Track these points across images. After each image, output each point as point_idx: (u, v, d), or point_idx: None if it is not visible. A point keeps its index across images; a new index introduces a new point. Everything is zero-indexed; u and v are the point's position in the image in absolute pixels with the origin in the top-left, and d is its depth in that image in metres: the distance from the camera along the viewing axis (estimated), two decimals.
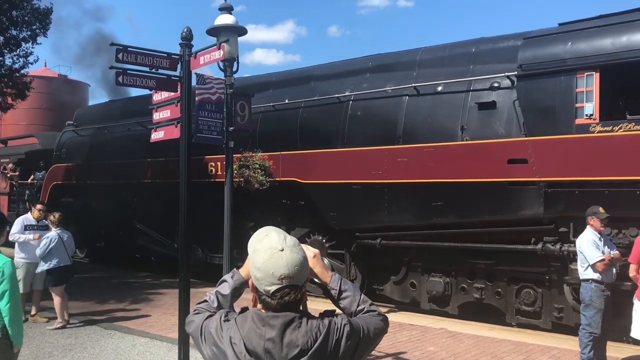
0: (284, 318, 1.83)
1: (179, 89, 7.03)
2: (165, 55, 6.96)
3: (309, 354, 1.79)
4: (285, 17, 73.06)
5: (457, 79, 9.32)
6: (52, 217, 9.15)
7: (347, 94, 10.53)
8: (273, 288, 1.85)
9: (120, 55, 6.71)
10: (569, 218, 7.91)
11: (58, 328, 8.61)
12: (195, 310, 2.14)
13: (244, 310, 1.97)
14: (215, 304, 2.12)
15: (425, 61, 10.06)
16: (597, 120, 7.68)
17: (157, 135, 7.72)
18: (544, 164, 8.03)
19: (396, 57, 10.59)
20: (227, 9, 7.89)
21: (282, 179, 11.14)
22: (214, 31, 7.67)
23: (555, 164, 7.96)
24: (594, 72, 7.74)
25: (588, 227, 6.56)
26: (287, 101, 11.52)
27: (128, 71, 6.82)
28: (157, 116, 7.73)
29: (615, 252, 6.51)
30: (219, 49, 7.21)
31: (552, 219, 8.07)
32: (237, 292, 2.13)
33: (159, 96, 7.70)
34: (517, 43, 8.88)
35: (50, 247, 8.72)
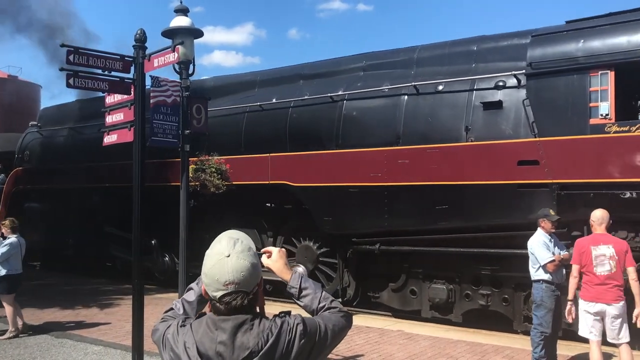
0: (234, 321, 1.84)
1: (132, 92, 6.94)
2: (119, 57, 6.90)
3: (260, 355, 1.79)
4: (244, 20, 72.39)
5: (459, 77, 8.98)
6: (5, 223, 8.81)
7: (340, 93, 10.08)
8: (219, 293, 1.87)
9: (71, 57, 6.57)
10: (582, 221, 7.59)
11: (10, 337, 8.24)
12: (162, 318, 2.14)
13: (201, 315, 1.98)
14: (182, 311, 2.14)
15: (423, 59, 9.70)
16: (613, 120, 7.44)
17: (109, 139, 7.61)
18: (557, 166, 7.75)
19: (392, 56, 10.20)
20: (183, 11, 7.72)
21: (271, 182, 10.60)
22: (169, 33, 7.45)
23: (568, 166, 7.70)
24: (608, 71, 7.50)
25: (539, 228, 6.69)
26: (274, 100, 11.00)
27: (80, 73, 6.69)
28: (110, 119, 7.59)
29: (564, 253, 6.63)
30: (174, 51, 7.09)
31: (565, 223, 7.78)
32: (203, 299, 2.09)
33: (111, 99, 7.61)
34: (523, 41, 8.61)
35: (11, 253, 8.46)
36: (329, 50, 73.57)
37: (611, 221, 6.20)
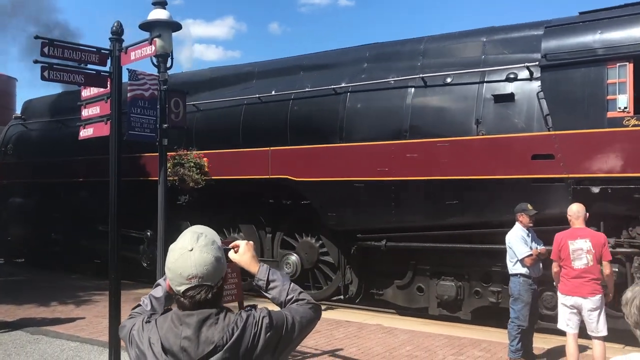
0: (199, 315, 1.83)
1: (108, 85, 6.86)
2: (95, 50, 6.79)
3: (224, 349, 1.79)
4: (224, 13, 71.44)
5: (468, 69, 8.76)
6: None
7: (343, 85, 9.80)
8: (183, 288, 1.86)
9: (46, 49, 6.47)
10: (599, 217, 7.46)
11: None
12: (129, 315, 2.14)
13: (167, 311, 1.97)
14: (149, 307, 2.14)
15: (430, 50, 9.45)
16: (632, 114, 7.27)
17: (85, 133, 7.55)
18: (573, 160, 7.57)
19: (397, 47, 9.93)
20: (161, 4, 7.61)
21: (271, 176, 10.29)
22: (147, 26, 7.37)
23: (585, 160, 7.52)
24: (627, 63, 7.33)
25: (517, 223, 6.79)
26: (274, 92, 10.68)
27: (55, 66, 6.59)
28: (86, 112, 7.57)
29: (541, 248, 6.72)
30: (151, 44, 7.00)
31: None
32: (170, 295, 2.05)
33: (88, 92, 7.56)
34: (535, 32, 8.42)
35: None
36: (310, 45, 73.10)
37: (587, 214, 6.27)
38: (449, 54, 9.24)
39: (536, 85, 8.08)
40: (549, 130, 7.80)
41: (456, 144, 8.43)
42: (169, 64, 7.60)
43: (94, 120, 7.38)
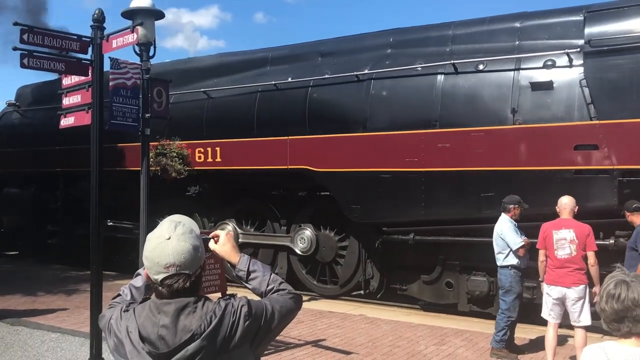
0: (177, 304, 1.83)
1: (90, 73, 6.82)
2: (75, 37, 6.76)
3: (202, 337, 1.78)
4: (209, 2, 70.27)
5: (502, 55, 8.39)
6: None
7: (367, 71, 9.37)
8: (160, 276, 1.87)
9: (25, 36, 6.36)
10: None
11: None
12: (109, 305, 2.14)
13: (146, 300, 1.98)
14: (129, 297, 2.15)
15: (460, 36, 9.05)
16: None
17: (66, 122, 7.50)
18: (619, 151, 7.25)
19: (423, 32, 9.52)
20: None
21: (290, 166, 9.85)
22: (129, 14, 7.23)
23: (632, 151, 7.20)
24: None
25: (504, 214, 6.80)
26: (290, 79, 10.21)
27: (34, 53, 6.50)
28: (67, 101, 7.53)
29: (525, 239, 6.73)
30: (133, 32, 6.93)
31: None
32: (149, 284, 2.04)
33: (68, 80, 7.51)
34: (574, 18, 8.07)
35: None
36: (296, 35, 72.27)
37: (577, 207, 6.32)
38: (479, 39, 8.85)
39: (577, 72, 7.74)
40: (592, 120, 7.46)
41: (492, 134, 8.06)
42: (151, 53, 7.47)
43: (75, 109, 7.29)
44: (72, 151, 12.68)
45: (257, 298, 2.08)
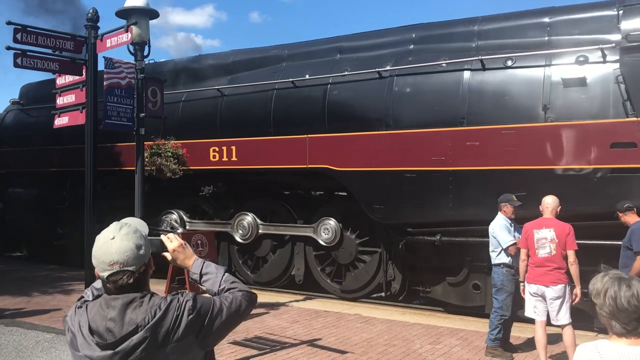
0: (124, 299, 1.98)
1: (84, 73, 6.88)
2: (70, 37, 6.81)
3: (145, 329, 1.91)
4: (204, 1, 69.83)
5: (531, 51, 8.16)
6: None
7: (389, 68, 9.12)
8: (106, 273, 2.01)
9: (18, 36, 6.39)
10: None
11: None
12: (75, 305, 2.22)
13: (98, 297, 2.10)
14: (91, 299, 2.22)
15: (486, 32, 8.81)
16: None
17: (60, 121, 7.59)
18: None
19: (447, 28, 9.27)
20: None
21: (309, 165, 9.59)
22: (124, 14, 7.25)
23: None
24: None
25: (499, 213, 6.82)
26: (308, 77, 9.95)
27: (28, 52, 6.55)
28: (61, 101, 7.60)
29: (517, 237, 6.69)
30: (127, 31, 6.93)
31: None
32: None
33: (62, 80, 7.58)
34: (607, 12, 7.87)
35: None
36: (292, 34, 71.86)
37: (560, 208, 6.31)
38: (507, 35, 8.62)
39: (611, 68, 7.52)
40: (630, 117, 7.24)
41: (524, 131, 7.83)
42: (145, 52, 7.53)
43: (69, 109, 7.34)
44: (79, 150, 12.33)
45: None
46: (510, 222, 6.75)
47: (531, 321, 6.54)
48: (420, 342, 7.21)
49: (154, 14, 7.49)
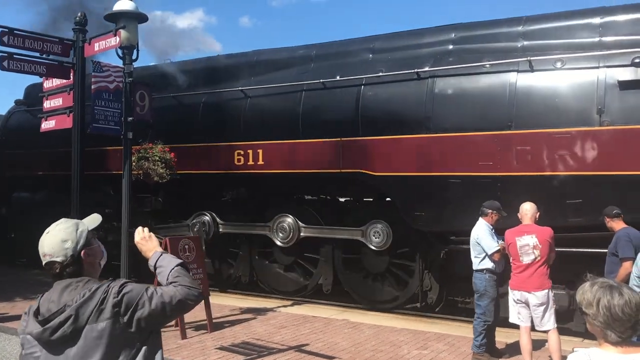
0: (63, 283, 2.26)
1: (71, 76, 6.89)
2: (57, 40, 6.84)
3: (71, 307, 2.14)
4: (194, 5, 69.38)
5: (582, 52, 7.84)
6: None
7: (428, 69, 8.75)
8: (43, 262, 2.31)
9: (5, 38, 6.40)
10: None
11: None
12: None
13: None
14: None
15: (532, 33, 8.48)
16: None
17: (47, 125, 7.56)
18: None
19: (490, 28, 8.92)
20: None
21: (343, 170, 9.18)
22: (112, 17, 7.22)
23: None
24: None
25: (481, 219, 6.84)
26: (339, 77, 9.55)
27: (15, 55, 6.56)
28: (48, 104, 7.61)
29: (502, 243, 6.65)
30: (115, 35, 6.95)
31: None
32: None
33: (50, 83, 7.58)
34: None
35: None
36: (282, 39, 71.51)
37: (538, 214, 6.33)
38: (555, 35, 8.29)
39: None
40: None
41: (579, 136, 7.48)
42: (134, 56, 7.45)
43: (56, 112, 7.28)
44: (87, 153, 11.85)
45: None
46: (491, 227, 6.77)
47: (516, 326, 6.53)
48: (408, 347, 7.25)
49: (143, 18, 7.46)
